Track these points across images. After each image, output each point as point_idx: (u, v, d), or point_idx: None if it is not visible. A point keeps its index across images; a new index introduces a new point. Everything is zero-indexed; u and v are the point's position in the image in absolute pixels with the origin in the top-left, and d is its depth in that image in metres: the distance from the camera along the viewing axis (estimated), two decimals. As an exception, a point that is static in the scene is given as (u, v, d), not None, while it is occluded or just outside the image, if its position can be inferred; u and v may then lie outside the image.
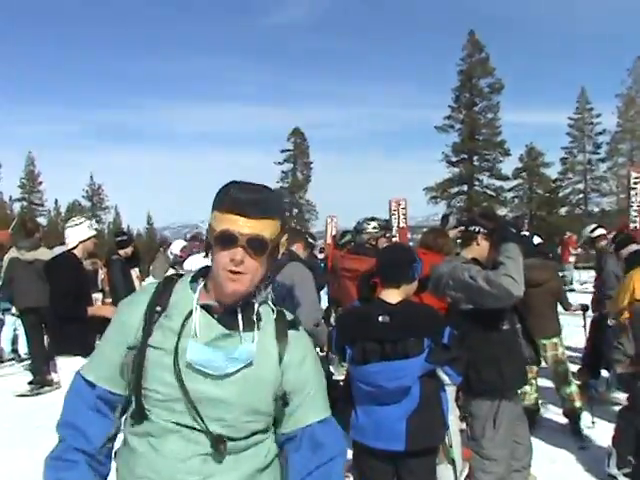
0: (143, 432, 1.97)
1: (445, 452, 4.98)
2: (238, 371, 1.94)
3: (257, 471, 2.02)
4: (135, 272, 9.35)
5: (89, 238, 6.17)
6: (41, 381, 9.62)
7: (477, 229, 4.17)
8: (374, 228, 6.65)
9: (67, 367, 5.47)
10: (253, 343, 1.96)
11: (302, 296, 4.26)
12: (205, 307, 1.97)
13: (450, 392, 4.95)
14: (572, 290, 19.46)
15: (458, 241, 5.44)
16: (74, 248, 6.13)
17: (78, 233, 6.12)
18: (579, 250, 21.58)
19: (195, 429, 1.92)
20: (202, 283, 2.04)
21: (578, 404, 6.96)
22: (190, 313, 1.96)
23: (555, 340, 6.90)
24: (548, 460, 5.92)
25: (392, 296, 3.67)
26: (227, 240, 1.90)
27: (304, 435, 2.05)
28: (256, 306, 2.03)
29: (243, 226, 1.89)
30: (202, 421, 1.91)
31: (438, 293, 4.19)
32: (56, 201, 73.99)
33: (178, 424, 1.92)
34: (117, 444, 2.14)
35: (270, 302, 2.11)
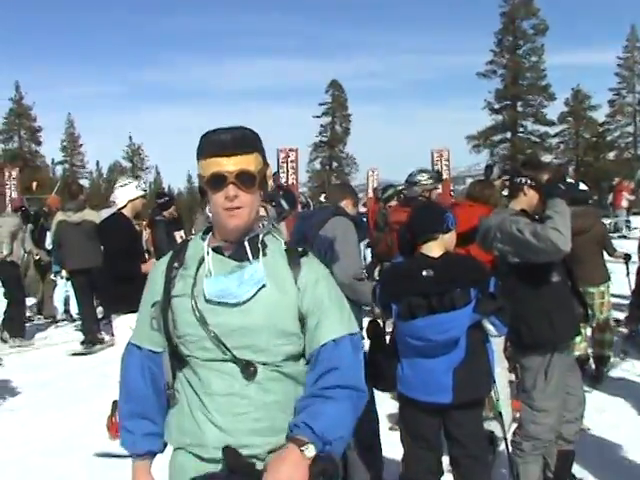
0: (188, 378, 2.13)
1: (492, 406, 5.03)
2: (255, 295, 2.05)
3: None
4: (179, 234, 9.50)
5: (137, 198, 6.33)
6: (93, 340, 9.91)
7: (522, 180, 4.13)
8: (428, 179, 6.60)
9: (123, 325, 5.76)
10: (259, 263, 2.08)
11: (343, 250, 4.24)
12: (216, 250, 2.13)
13: (498, 343, 4.99)
14: (624, 237, 19.13)
15: (504, 192, 5.41)
16: (123, 208, 6.30)
17: (126, 193, 6.29)
18: (633, 197, 21.15)
19: (227, 361, 2.04)
20: (210, 233, 2.19)
21: (608, 353, 7.03)
22: (203, 258, 2.12)
23: (602, 288, 6.90)
24: (597, 410, 5.91)
25: (433, 250, 3.67)
26: (217, 181, 2.03)
27: (319, 353, 2.08)
28: (260, 236, 2.15)
29: (228, 164, 2.02)
30: (229, 351, 2.02)
31: (486, 246, 4.18)
32: (97, 163, 75.10)
33: (213, 360, 2.05)
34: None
35: (281, 238, 2.24)
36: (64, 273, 10.59)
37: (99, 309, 10.49)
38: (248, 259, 2.09)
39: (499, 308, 3.54)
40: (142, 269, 5.96)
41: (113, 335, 9.85)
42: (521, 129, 54.97)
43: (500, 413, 4.15)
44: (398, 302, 3.60)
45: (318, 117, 65.52)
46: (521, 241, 3.79)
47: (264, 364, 2.05)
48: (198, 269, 2.11)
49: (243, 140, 2.07)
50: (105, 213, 10.02)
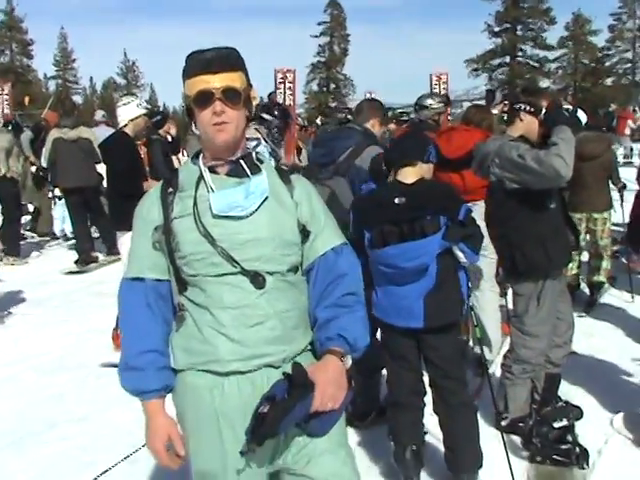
0: (193, 299, 2.11)
1: (471, 332, 5.06)
2: (260, 207, 2.09)
3: (302, 315, 2.18)
4: (177, 157, 9.37)
5: (139, 116, 6.26)
6: (86, 259, 9.92)
7: (520, 106, 4.02)
8: (439, 103, 6.57)
9: (127, 242, 5.74)
10: (263, 175, 2.13)
11: None
12: (211, 170, 2.13)
13: (488, 266, 4.98)
14: (630, 163, 19.05)
15: (504, 118, 5.32)
16: (125, 126, 6.26)
17: (127, 112, 6.23)
18: (638, 123, 21.01)
19: (236, 274, 2.06)
20: (201, 155, 2.18)
21: (602, 279, 7.07)
22: (200, 178, 2.12)
23: (605, 215, 6.93)
24: (585, 334, 5.95)
25: (408, 176, 3.62)
26: (204, 98, 2.04)
27: (320, 263, 2.17)
28: (254, 154, 2.20)
29: (214, 81, 2.03)
30: (238, 264, 2.04)
31: (482, 172, 4.10)
32: (91, 79, 73.95)
33: (222, 275, 2.06)
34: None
35: (267, 155, 2.34)
36: (57, 192, 10.51)
37: (93, 228, 10.47)
38: (246, 175, 2.12)
39: (468, 235, 3.52)
40: (144, 187, 5.90)
41: (108, 254, 9.99)
42: (520, 53, 54.35)
43: (479, 339, 4.22)
44: (371, 230, 3.59)
45: (316, 37, 64.47)
46: (522, 166, 3.71)
47: (271, 274, 2.08)
48: (197, 189, 2.11)
49: (228, 58, 2.09)
50: (100, 130, 9.88)
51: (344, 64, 64.67)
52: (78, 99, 58.91)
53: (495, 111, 6.39)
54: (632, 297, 7.16)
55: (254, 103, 2.20)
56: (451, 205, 3.55)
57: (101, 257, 10.24)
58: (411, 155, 3.64)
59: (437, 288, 3.54)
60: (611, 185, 7.21)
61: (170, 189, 2.16)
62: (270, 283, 2.07)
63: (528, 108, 4.00)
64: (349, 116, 11.75)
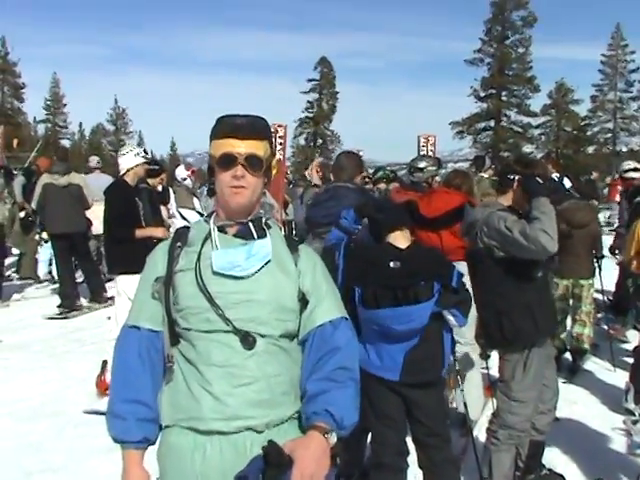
0: (184, 353, 2.12)
1: (455, 393, 5.08)
2: (261, 270, 2.12)
3: (292, 383, 2.14)
4: (166, 208, 9.37)
5: (137, 165, 6.49)
6: (69, 305, 9.82)
7: (513, 176, 4.08)
8: (432, 166, 6.73)
9: (121, 284, 6.09)
10: (267, 239, 2.18)
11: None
12: (220, 229, 2.20)
13: (470, 327, 5.00)
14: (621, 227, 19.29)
15: (494, 182, 5.43)
16: (125, 175, 6.49)
17: (126, 161, 6.49)
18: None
19: (227, 332, 2.06)
20: (214, 214, 2.25)
21: (586, 346, 7.10)
22: (208, 235, 2.18)
23: (591, 281, 7.01)
24: (568, 402, 5.95)
25: (399, 240, 3.73)
26: (227, 161, 2.12)
27: (316, 334, 2.16)
28: (264, 219, 2.25)
29: (239, 146, 2.12)
30: (231, 323, 2.05)
31: (470, 237, 4.16)
32: (80, 124, 74.06)
33: (214, 332, 2.06)
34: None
35: (277, 223, 2.34)
36: (45, 235, 10.48)
37: (78, 273, 10.40)
38: (253, 238, 2.17)
39: (460, 301, 3.64)
40: (137, 233, 6.22)
41: (91, 301, 9.93)
42: (504, 118, 55.23)
43: (465, 403, 4.28)
44: (363, 289, 3.64)
45: (305, 93, 65.24)
46: (509, 239, 3.77)
47: (263, 336, 2.08)
48: (203, 246, 2.16)
49: (256, 127, 2.17)
50: (91, 178, 9.93)
51: (332, 120, 65.48)
52: (66, 143, 58.91)
53: (485, 175, 6.55)
54: (613, 366, 7.19)
55: (273, 172, 2.29)
56: (444, 271, 3.65)
57: (84, 303, 10.15)
58: (402, 221, 3.77)
59: (419, 346, 3.62)
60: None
61: (179, 243, 2.22)
62: (261, 345, 2.07)
63: (521, 179, 4.06)
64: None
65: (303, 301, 2.17)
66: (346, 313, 2.26)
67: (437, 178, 6.80)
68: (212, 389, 2.03)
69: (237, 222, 2.20)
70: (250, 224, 2.20)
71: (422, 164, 6.64)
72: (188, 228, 2.30)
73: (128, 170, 6.46)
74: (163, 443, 2.14)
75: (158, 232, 6.21)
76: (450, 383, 5.19)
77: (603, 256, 7.81)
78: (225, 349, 2.05)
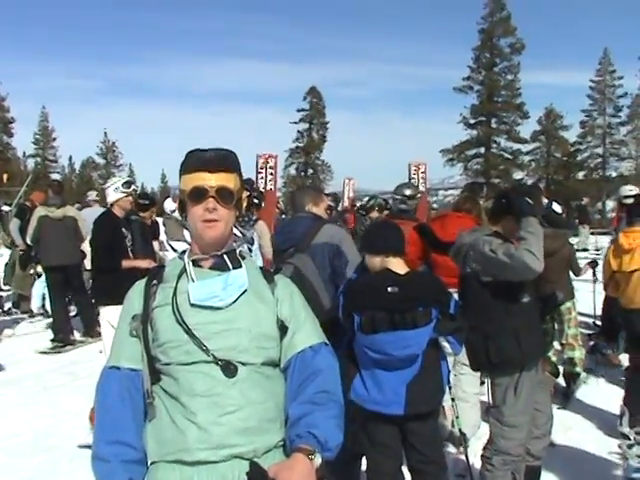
0: (166, 388, 2.12)
1: (452, 421, 5.11)
2: (238, 299, 2.16)
3: (278, 409, 2.15)
4: (157, 242, 9.45)
5: (118, 199, 6.59)
6: (63, 339, 9.79)
7: (507, 201, 4.15)
8: (418, 192, 6.97)
9: (107, 316, 6.12)
10: (242, 269, 2.22)
11: (350, 253, 4.36)
12: (195, 263, 2.23)
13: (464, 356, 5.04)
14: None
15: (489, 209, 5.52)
16: (111, 207, 6.65)
17: (109, 195, 6.63)
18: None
19: (208, 362, 2.08)
20: (188, 249, 2.31)
21: (579, 369, 7.13)
22: (183, 270, 2.22)
23: (569, 304, 6.99)
24: (564, 427, 5.99)
25: (399, 266, 3.79)
26: (199, 194, 2.17)
27: (297, 360, 2.19)
28: (238, 250, 2.31)
29: (210, 180, 2.16)
30: (209, 352, 2.08)
31: (457, 261, 4.25)
32: (70, 158, 74.22)
33: (195, 363, 2.09)
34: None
35: (251, 255, 2.35)
36: (39, 269, 10.51)
37: (72, 307, 10.40)
38: (228, 269, 2.21)
39: (457, 328, 3.69)
40: (123, 264, 6.32)
41: (85, 335, 9.92)
42: (494, 145, 55.50)
43: (460, 430, 4.35)
44: (361, 314, 3.68)
45: (295, 123, 65.61)
46: (494, 261, 3.85)
47: (244, 364, 2.10)
48: (178, 281, 2.20)
49: (226, 160, 2.24)
50: (87, 213, 10.01)
51: (322, 150, 65.77)
52: (56, 177, 58.82)
53: (480, 202, 6.61)
54: (607, 390, 7.22)
55: (244, 205, 2.35)
56: (442, 298, 3.69)
57: (78, 337, 10.13)
58: (399, 247, 3.83)
59: (420, 376, 3.64)
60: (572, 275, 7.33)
61: (154, 281, 2.26)
62: (243, 373, 2.09)
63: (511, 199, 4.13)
64: (331, 203, 11.94)
65: (283, 328, 2.21)
66: (325, 339, 2.30)
67: (434, 204, 6.93)
68: (197, 419, 2.02)
69: (211, 255, 2.24)
70: (225, 256, 2.24)
71: (410, 191, 6.73)
72: (163, 267, 2.34)
73: (112, 204, 6.60)
74: (151, 479, 2.10)
75: (143, 263, 6.25)
76: (446, 410, 5.23)
77: (597, 263, 7.85)
78: (207, 379, 2.07)
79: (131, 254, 6.51)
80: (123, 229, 6.55)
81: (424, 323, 3.59)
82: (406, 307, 3.61)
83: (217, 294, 2.13)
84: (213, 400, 2.05)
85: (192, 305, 2.13)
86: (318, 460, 1.94)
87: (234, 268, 2.21)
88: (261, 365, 2.14)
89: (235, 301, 2.15)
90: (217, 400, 2.05)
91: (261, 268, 2.36)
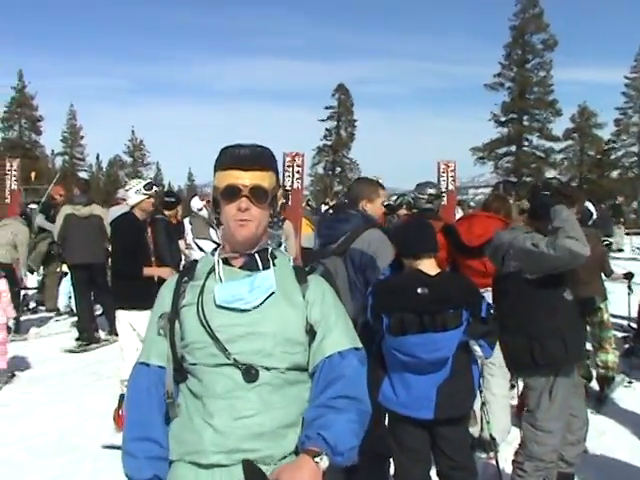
0: (191, 388, 2.14)
1: (482, 426, 5.05)
2: (265, 302, 2.13)
3: (301, 415, 2.10)
4: (182, 242, 9.45)
5: (140, 202, 6.42)
6: (88, 338, 9.87)
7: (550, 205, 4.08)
8: (439, 190, 6.71)
9: (124, 320, 6.13)
10: (270, 271, 2.18)
11: (387, 263, 4.19)
12: (225, 261, 2.22)
13: (499, 358, 4.97)
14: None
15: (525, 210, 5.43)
16: (133, 209, 6.50)
17: (130, 198, 6.48)
18: None
19: (230, 365, 2.07)
20: (221, 246, 2.29)
21: (611, 374, 7.01)
22: (212, 269, 2.21)
23: (601, 306, 6.88)
24: (597, 432, 5.87)
25: (430, 266, 3.75)
26: (232, 193, 2.14)
27: (324, 366, 2.14)
28: (270, 249, 2.27)
29: (244, 178, 2.14)
30: (230, 355, 2.06)
31: (496, 262, 4.18)
32: (98, 156, 74.95)
33: (219, 365, 2.08)
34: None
35: (287, 254, 2.37)
36: (65, 268, 10.60)
37: (97, 305, 10.47)
38: (258, 269, 2.19)
39: (488, 332, 3.63)
40: (144, 272, 6.18)
41: (110, 333, 9.97)
42: (526, 143, 55.13)
43: (490, 434, 4.28)
44: (390, 315, 3.65)
45: (323, 121, 65.64)
46: (537, 255, 3.80)
47: (268, 369, 2.08)
48: (207, 279, 2.19)
49: (261, 157, 2.20)
50: (113, 211, 10.03)
51: (350, 148, 65.76)
52: (84, 175, 59.47)
53: (511, 201, 6.51)
54: (629, 382, 7.12)
55: (279, 203, 2.30)
56: (474, 300, 3.64)
57: (102, 335, 10.22)
58: (431, 247, 3.79)
59: (451, 380, 3.60)
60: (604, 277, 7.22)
61: (185, 278, 2.26)
62: (264, 378, 2.07)
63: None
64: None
65: (311, 332, 2.17)
66: (358, 342, 2.23)
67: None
68: (213, 422, 2.04)
69: (243, 254, 2.22)
70: (256, 255, 2.21)
71: (434, 191, 6.67)
72: (196, 262, 2.34)
73: (133, 207, 6.45)
74: (170, 478, 2.14)
75: (164, 272, 6.11)
76: (476, 414, 5.16)
77: (632, 275, 7.76)
78: (228, 382, 2.07)
79: (153, 257, 6.41)
80: (145, 233, 6.42)
81: (454, 326, 3.56)
82: (436, 309, 3.57)
83: (243, 296, 2.11)
84: (231, 403, 2.05)
85: (217, 306, 2.12)
86: (325, 463, 1.89)
87: (264, 268, 2.19)
88: (286, 370, 2.12)
89: (262, 303, 2.13)
90: (235, 403, 2.04)
91: (294, 267, 2.30)
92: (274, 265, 2.22)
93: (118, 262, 6.49)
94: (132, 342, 5.94)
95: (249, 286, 2.13)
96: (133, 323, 5.97)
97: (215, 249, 2.30)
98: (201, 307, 2.12)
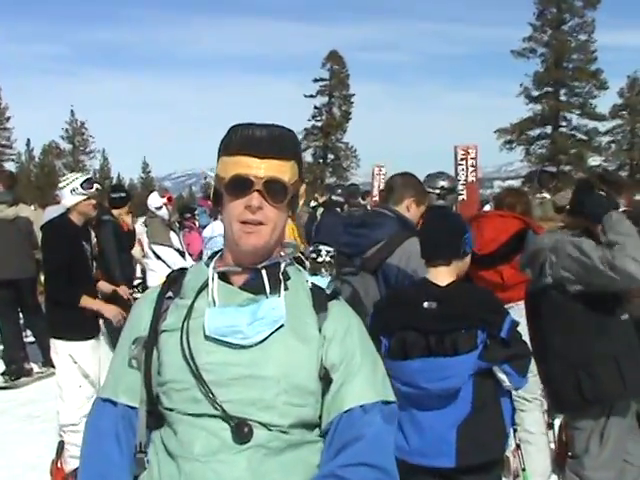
0: (164, 440, 2.02)
1: (517, 474, 5.04)
2: (269, 337, 1.99)
3: None
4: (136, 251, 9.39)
5: (77, 203, 6.11)
6: (17, 371, 9.78)
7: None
8: (454, 183, 6.86)
9: (62, 352, 5.89)
10: (280, 298, 2.03)
11: None
12: (223, 277, 2.08)
13: (535, 381, 4.93)
14: None
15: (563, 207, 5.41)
16: (68, 211, 6.17)
17: (65, 198, 6.15)
18: None
19: (216, 417, 1.95)
20: (218, 255, 2.15)
21: None
22: (205, 284, 2.06)
23: None
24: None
25: (441, 276, 3.65)
26: (240, 186, 2.00)
27: (339, 423, 2.00)
28: (282, 265, 2.11)
29: (258, 168, 1.99)
30: (218, 404, 1.93)
31: (532, 271, 4.15)
32: (28, 142, 74.81)
33: (201, 416, 1.96)
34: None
35: (303, 270, 2.22)
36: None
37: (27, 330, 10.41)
38: (264, 292, 2.04)
39: (513, 356, 3.52)
40: (82, 301, 5.91)
41: (44, 364, 9.89)
42: (564, 123, 55.45)
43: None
44: (391, 336, 3.60)
45: (312, 97, 65.88)
46: (590, 268, 3.79)
47: (265, 426, 1.95)
48: (197, 298, 2.06)
49: (282, 142, 2.05)
50: (50, 212, 9.84)
51: (345, 130, 65.96)
52: (10, 167, 59.22)
53: (547, 196, 6.51)
54: None
55: (300, 203, 2.17)
56: (493, 318, 3.53)
57: (35, 369, 10.13)
58: (445, 253, 3.68)
59: (473, 417, 3.53)
60: None
61: (170, 293, 2.13)
62: (259, 438, 1.93)
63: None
64: (340, 198, 11.80)
65: (326, 379, 2.03)
66: (390, 394, 2.11)
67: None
68: None
69: (246, 268, 2.08)
70: (263, 272, 2.06)
71: (447, 183, 6.63)
72: (184, 272, 2.21)
73: (69, 209, 6.10)
74: None
75: (108, 310, 5.96)
76: (510, 462, 5.15)
77: None
78: (211, 440, 1.94)
79: (98, 270, 6.30)
80: (83, 242, 6.17)
81: (467, 349, 3.47)
82: (445, 328, 3.50)
83: (241, 329, 1.97)
84: (213, 468, 1.91)
85: (207, 337, 1.99)
86: None
87: (272, 292, 2.04)
88: (289, 428, 1.97)
89: (265, 339, 1.98)
90: (218, 469, 1.91)
91: (313, 290, 2.15)
92: (286, 288, 2.07)
93: (50, 283, 6.19)
94: (73, 378, 5.87)
95: (250, 316, 1.99)
96: (74, 355, 5.89)
97: (211, 257, 2.16)
98: (186, 335, 1.99)
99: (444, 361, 3.46)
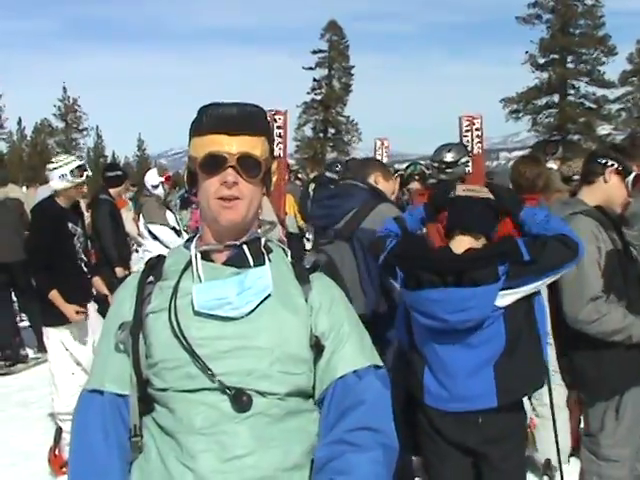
0: (159, 421, 2.08)
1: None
2: (259, 307, 2.08)
3: (308, 454, 2.06)
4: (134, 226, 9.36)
5: (66, 189, 6.13)
6: (12, 357, 9.84)
7: (607, 161, 4.02)
8: (464, 157, 6.74)
9: (54, 337, 6.03)
10: (266, 267, 2.14)
11: None
12: (205, 255, 2.18)
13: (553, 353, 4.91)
14: None
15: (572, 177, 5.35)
16: (55, 195, 6.19)
17: (53, 181, 6.15)
18: None
19: (214, 390, 2.02)
20: (197, 237, 2.25)
21: None
22: (189, 264, 2.16)
23: None
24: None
25: (462, 245, 3.54)
26: (214, 163, 2.10)
27: (335, 389, 2.11)
28: (263, 240, 2.24)
29: (230, 144, 2.10)
30: (216, 377, 2.00)
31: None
32: (19, 121, 74.55)
33: (198, 390, 2.02)
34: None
35: (282, 246, 2.33)
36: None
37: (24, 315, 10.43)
38: (248, 265, 2.15)
39: (542, 268, 3.42)
40: (51, 294, 5.92)
41: (40, 350, 9.90)
42: (572, 91, 55.33)
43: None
44: (406, 270, 3.58)
45: (311, 69, 65.73)
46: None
47: (263, 394, 2.03)
48: (180, 279, 2.14)
49: (251, 119, 2.16)
50: (42, 191, 9.84)
51: (345, 103, 65.87)
52: (2, 146, 59.24)
53: (554, 166, 6.43)
54: None
55: (273, 178, 2.25)
56: (509, 248, 3.44)
57: (31, 353, 10.18)
58: (478, 226, 3.60)
59: (509, 351, 3.46)
60: None
61: (151, 278, 2.19)
62: (259, 406, 2.01)
63: (617, 166, 4.01)
64: (334, 175, 11.81)
65: (317, 348, 2.13)
66: (378, 359, 2.20)
67: (468, 169, 6.68)
68: (195, 465, 1.97)
69: (227, 245, 2.17)
70: (245, 247, 2.17)
71: (451, 156, 6.56)
72: (162, 257, 2.27)
73: (56, 191, 6.17)
74: None
75: (68, 312, 5.90)
76: (532, 425, 5.17)
77: None
78: (211, 412, 2.00)
79: (94, 250, 6.30)
80: (70, 224, 6.16)
81: (489, 281, 3.37)
82: (461, 267, 3.42)
83: (230, 300, 2.05)
84: (217, 439, 1.98)
85: (196, 313, 2.06)
86: None
87: (256, 265, 2.14)
88: (285, 396, 2.06)
89: (254, 310, 2.07)
90: (222, 440, 1.98)
91: (293, 263, 2.27)
92: (269, 260, 2.18)
93: (35, 269, 6.21)
94: (65, 365, 5.90)
95: (238, 287, 2.08)
96: (65, 342, 5.89)
97: (189, 240, 2.25)
98: (174, 314, 2.05)
99: (464, 291, 3.38)
